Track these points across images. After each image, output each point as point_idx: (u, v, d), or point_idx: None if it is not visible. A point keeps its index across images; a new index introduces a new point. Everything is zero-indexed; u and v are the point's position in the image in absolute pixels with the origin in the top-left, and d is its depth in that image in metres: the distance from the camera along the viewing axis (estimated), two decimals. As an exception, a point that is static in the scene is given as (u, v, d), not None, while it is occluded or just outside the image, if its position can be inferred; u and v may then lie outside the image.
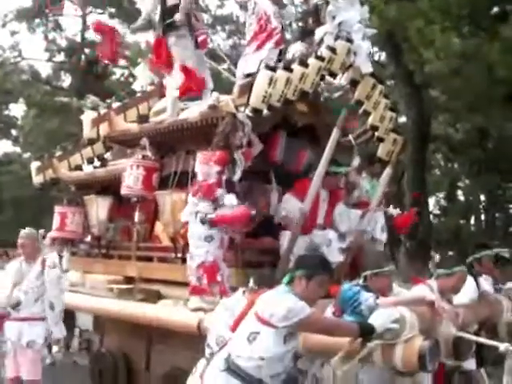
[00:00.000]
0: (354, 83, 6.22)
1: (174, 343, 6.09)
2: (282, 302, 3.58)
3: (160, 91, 7.49)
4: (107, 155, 8.10)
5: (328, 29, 5.90)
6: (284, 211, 5.86)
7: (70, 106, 24.71)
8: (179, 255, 6.15)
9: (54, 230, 7.20)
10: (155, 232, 6.62)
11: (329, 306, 4.39)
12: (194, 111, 6.17)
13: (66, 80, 29.74)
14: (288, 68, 5.36)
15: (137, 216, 6.37)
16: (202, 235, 5.17)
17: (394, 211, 6.75)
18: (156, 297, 6.34)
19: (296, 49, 7.08)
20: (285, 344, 3.63)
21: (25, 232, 5.74)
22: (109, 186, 7.06)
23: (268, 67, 5.22)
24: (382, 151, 6.86)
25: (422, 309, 4.40)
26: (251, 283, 4.40)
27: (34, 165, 7.63)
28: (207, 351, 4.29)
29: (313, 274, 3.74)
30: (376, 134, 6.69)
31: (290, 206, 5.81)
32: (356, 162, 6.63)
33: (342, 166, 6.18)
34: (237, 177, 5.33)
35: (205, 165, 5.22)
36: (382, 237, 6.80)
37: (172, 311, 5.52)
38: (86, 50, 28.08)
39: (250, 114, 5.45)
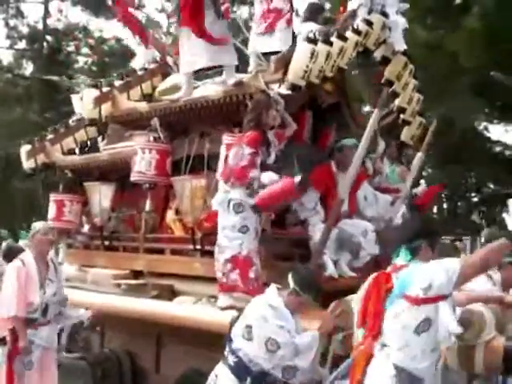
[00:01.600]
0: (385, 61, 5.59)
1: (190, 343, 5.42)
2: (430, 271, 3.09)
3: (163, 69, 6.71)
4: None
5: (362, 1, 5.22)
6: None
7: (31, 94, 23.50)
8: (198, 247, 5.37)
9: (50, 220, 6.35)
10: (166, 222, 5.84)
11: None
12: (214, 89, 5.44)
13: (28, 68, 28.28)
14: (328, 41, 4.67)
15: (148, 204, 5.58)
16: (237, 225, 4.62)
17: (419, 189, 6.11)
18: (170, 293, 5.60)
19: (309, 28, 6.38)
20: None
21: (48, 226, 4.96)
22: (110, 172, 6.27)
23: (309, 39, 4.58)
24: (406, 135, 6.31)
25: (492, 305, 3.85)
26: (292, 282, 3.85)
27: (25, 148, 6.78)
28: None
29: (434, 242, 3.37)
30: (402, 116, 6.09)
31: (308, 198, 5.13)
32: (381, 146, 6.00)
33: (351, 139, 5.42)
34: (271, 159, 4.64)
35: (236, 147, 4.62)
36: (400, 223, 6.19)
37: (200, 310, 4.80)
38: (49, 38, 26.71)
39: (285, 92, 4.74)
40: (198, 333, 5.00)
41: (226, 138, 5.10)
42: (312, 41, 4.71)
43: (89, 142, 7.22)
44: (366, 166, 5.83)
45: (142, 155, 5.61)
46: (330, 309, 4.02)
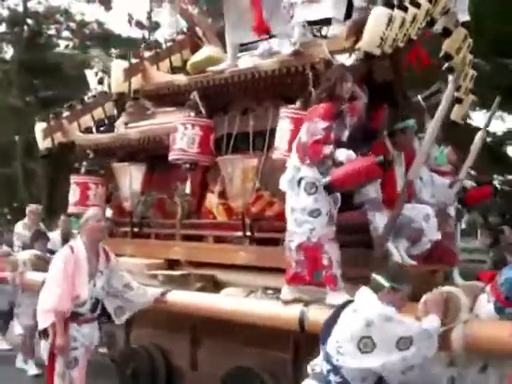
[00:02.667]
0: (446, 33, 5.08)
1: (235, 339, 4.94)
2: None
3: (192, 41, 6.12)
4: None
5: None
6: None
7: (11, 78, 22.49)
8: (247, 233, 4.83)
9: (72, 204, 5.72)
10: (206, 206, 5.27)
11: (482, 295, 3.55)
12: (253, 61, 5.02)
13: (8, 52, 27.07)
14: (403, 7, 4.16)
15: (187, 186, 4.99)
16: (307, 208, 4.11)
17: (468, 182, 5.69)
18: (213, 284, 5.04)
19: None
20: None
21: (101, 212, 4.40)
22: (140, 151, 5.68)
23: (388, 4, 4.00)
24: (457, 113, 5.83)
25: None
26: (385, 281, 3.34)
27: (40, 127, 6.12)
28: None
29: None
30: (455, 94, 5.59)
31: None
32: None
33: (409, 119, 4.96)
34: (345, 136, 4.11)
35: (307, 121, 4.16)
36: (451, 211, 5.74)
37: (262, 304, 4.29)
38: (29, 21, 25.60)
39: (350, 62, 4.21)
40: (245, 328, 4.57)
41: (287, 112, 4.59)
42: (390, 5, 4.16)
43: (106, 120, 6.62)
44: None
45: (183, 131, 5.09)
46: (430, 300, 3.50)
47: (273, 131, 5.14)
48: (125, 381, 5.61)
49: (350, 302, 3.41)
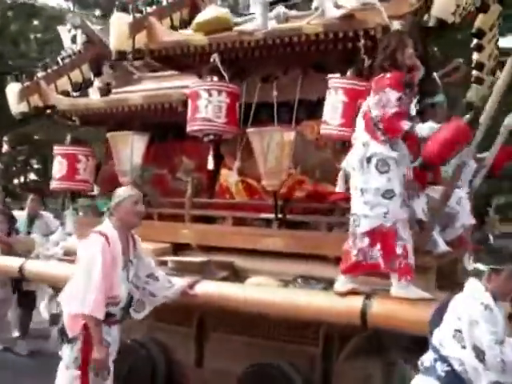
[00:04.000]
0: (483, 8, 4.79)
1: (253, 332, 4.60)
2: None
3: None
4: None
5: None
6: None
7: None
8: (279, 216, 4.43)
9: (58, 180, 5.01)
10: (222, 184, 4.74)
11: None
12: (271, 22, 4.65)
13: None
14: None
15: (210, 161, 4.56)
16: (381, 188, 3.72)
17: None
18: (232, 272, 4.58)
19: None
20: None
21: (139, 193, 3.72)
22: (137, 119, 5.02)
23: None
24: (475, 95, 5.59)
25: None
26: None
27: (12, 88, 5.28)
28: None
29: None
30: (477, 73, 5.37)
31: None
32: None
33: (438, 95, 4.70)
34: (414, 107, 3.76)
35: (378, 92, 3.75)
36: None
37: (321, 296, 3.95)
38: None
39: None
40: (265, 320, 4.26)
41: (339, 82, 4.19)
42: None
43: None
44: None
45: (207, 98, 4.55)
46: None
47: (302, 102, 4.77)
48: (120, 379, 4.99)
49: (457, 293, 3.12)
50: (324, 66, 4.63)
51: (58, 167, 5.23)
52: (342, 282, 3.88)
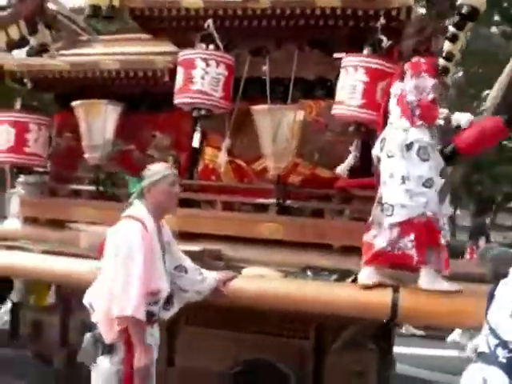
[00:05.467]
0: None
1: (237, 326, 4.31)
2: None
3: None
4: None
5: None
6: None
7: None
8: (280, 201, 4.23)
9: (3, 152, 4.32)
10: (206, 164, 4.39)
11: None
12: None
13: None
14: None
15: (196, 137, 4.21)
16: (424, 177, 3.59)
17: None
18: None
19: None
20: None
21: (173, 170, 3.16)
22: (107, 87, 4.50)
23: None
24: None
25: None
26: None
27: None
28: None
29: None
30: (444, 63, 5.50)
31: None
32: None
33: None
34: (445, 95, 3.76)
35: (415, 76, 3.62)
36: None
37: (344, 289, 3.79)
38: None
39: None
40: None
41: (359, 61, 3.97)
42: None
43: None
44: None
45: (204, 68, 4.11)
46: None
47: (299, 80, 4.52)
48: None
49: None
50: (326, 43, 4.44)
51: (4, 137, 4.46)
52: (368, 275, 3.73)
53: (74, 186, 4.71)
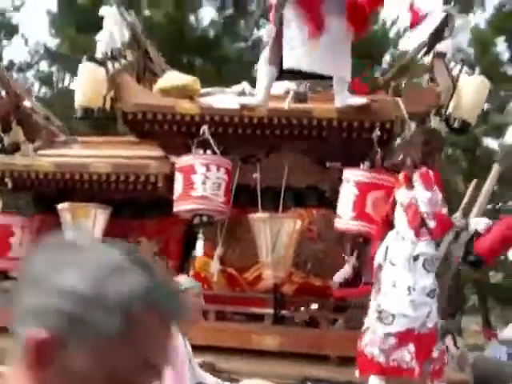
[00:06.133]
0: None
1: None
2: None
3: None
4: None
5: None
6: None
7: None
8: (271, 311, 4.21)
9: None
10: (197, 271, 4.32)
11: None
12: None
13: None
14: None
15: (199, 245, 4.06)
16: (428, 288, 3.64)
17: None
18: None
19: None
20: None
21: (198, 282, 3.11)
22: (96, 189, 4.42)
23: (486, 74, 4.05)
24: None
25: None
26: None
27: None
28: None
29: None
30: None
31: None
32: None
33: None
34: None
35: (428, 189, 3.75)
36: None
37: None
38: None
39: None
40: None
41: (354, 174, 4.09)
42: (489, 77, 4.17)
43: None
44: None
45: (204, 173, 4.12)
46: None
47: (290, 189, 4.58)
48: None
49: None
50: (319, 152, 4.57)
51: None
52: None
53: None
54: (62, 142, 5.29)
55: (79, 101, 4.36)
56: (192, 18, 14.78)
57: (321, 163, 4.60)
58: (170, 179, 4.27)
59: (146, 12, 13.37)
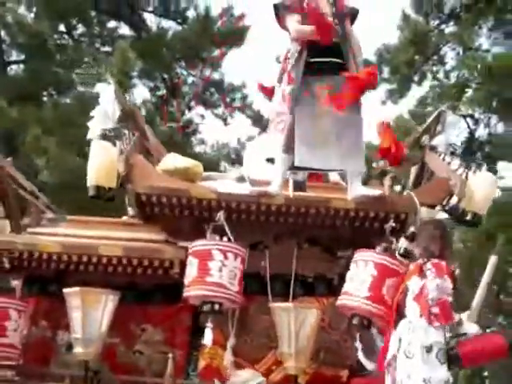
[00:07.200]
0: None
1: None
2: None
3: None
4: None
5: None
6: None
7: None
8: None
9: None
10: (208, 363, 4.17)
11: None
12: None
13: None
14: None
15: (207, 334, 3.96)
16: (442, 381, 3.63)
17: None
18: None
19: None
20: None
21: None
22: (105, 274, 4.29)
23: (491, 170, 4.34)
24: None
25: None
26: None
27: None
28: None
29: None
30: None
31: None
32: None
33: None
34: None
35: (438, 277, 3.79)
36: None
37: None
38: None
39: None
40: None
41: (370, 256, 4.05)
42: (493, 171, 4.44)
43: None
44: None
45: (222, 260, 3.99)
46: None
47: (298, 277, 4.57)
48: None
49: None
50: (329, 241, 4.60)
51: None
52: None
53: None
54: (50, 219, 5.07)
55: (92, 179, 4.23)
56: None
57: (330, 251, 4.66)
58: (184, 265, 4.17)
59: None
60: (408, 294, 3.96)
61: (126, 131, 4.81)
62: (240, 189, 4.78)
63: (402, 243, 4.28)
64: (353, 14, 4.74)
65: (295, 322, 4.02)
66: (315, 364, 4.38)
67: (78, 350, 3.98)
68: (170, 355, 4.16)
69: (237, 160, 15.28)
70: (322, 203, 4.38)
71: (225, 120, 16.13)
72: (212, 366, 4.33)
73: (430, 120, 5.33)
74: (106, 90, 5.08)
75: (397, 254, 4.27)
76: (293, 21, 4.54)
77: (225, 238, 4.19)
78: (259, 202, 4.39)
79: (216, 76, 15.62)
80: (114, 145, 4.36)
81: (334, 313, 4.39)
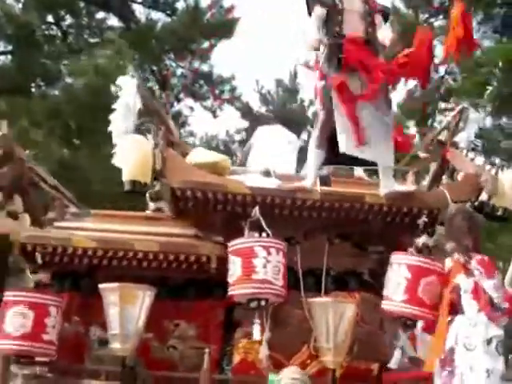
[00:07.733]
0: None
1: None
2: None
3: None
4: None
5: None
6: None
7: None
8: None
9: (13, 339, 3.76)
10: (242, 357, 4.20)
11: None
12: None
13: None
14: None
15: (256, 329, 3.97)
16: (499, 371, 3.77)
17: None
18: None
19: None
20: None
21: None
22: (140, 269, 4.26)
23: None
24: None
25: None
26: None
27: None
28: None
29: None
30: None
31: None
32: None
33: None
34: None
35: (491, 276, 3.92)
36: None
37: None
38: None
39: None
40: None
41: (406, 258, 4.08)
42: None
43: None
44: None
45: (266, 257, 3.99)
46: None
47: (329, 272, 4.64)
48: None
49: None
50: (360, 236, 4.67)
51: (19, 321, 3.80)
52: None
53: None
54: (74, 213, 5.02)
55: (127, 174, 4.21)
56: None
57: (360, 247, 4.73)
58: (221, 261, 4.21)
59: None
60: (461, 292, 3.97)
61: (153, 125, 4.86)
62: (270, 183, 4.85)
63: (422, 238, 4.37)
64: (385, 13, 4.88)
65: (334, 317, 4.05)
66: (349, 358, 4.50)
67: (115, 345, 3.95)
68: (207, 350, 4.18)
69: (225, 152, 15.37)
70: (357, 199, 4.45)
71: (214, 112, 16.20)
72: (247, 361, 4.37)
73: (449, 117, 5.45)
74: (127, 83, 5.11)
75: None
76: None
77: (263, 234, 4.31)
78: (294, 196, 4.43)
79: (205, 68, 15.75)
80: (155, 141, 4.40)
81: (365, 307, 4.48)
